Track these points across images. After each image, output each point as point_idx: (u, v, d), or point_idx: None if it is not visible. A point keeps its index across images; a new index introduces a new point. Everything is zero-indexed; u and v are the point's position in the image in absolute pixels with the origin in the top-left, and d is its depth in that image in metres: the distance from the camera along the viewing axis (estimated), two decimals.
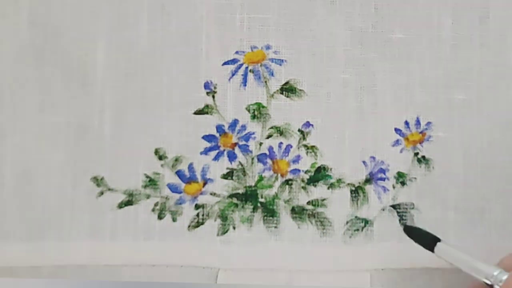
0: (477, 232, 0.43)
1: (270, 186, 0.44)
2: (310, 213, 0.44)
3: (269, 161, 0.44)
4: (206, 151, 0.44)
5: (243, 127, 0.44)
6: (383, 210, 0.43)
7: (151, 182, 0.44)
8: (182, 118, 0.44)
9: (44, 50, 0.44)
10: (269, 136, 0.44)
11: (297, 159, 0.44)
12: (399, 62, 0.44)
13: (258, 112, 0.44)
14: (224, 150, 0.44)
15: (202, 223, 0.44)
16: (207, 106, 0.44)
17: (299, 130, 0.44)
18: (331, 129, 0.44)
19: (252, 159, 0.44)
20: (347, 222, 0.43)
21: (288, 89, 0.44)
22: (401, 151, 0.44)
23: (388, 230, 0.43)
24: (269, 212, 0.44)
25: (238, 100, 0.44)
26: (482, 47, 0.44)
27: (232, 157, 0.44)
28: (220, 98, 0.44)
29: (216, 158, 0.44)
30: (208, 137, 0.44)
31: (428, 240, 0.39)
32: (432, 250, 0.39)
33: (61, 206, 0.44)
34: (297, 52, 0.44)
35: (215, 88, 0.44)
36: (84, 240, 0.44)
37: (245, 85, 0.44)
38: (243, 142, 0.44)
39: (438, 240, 0.39)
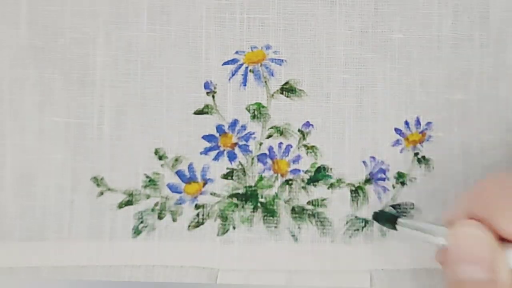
0: None
1: (270, 186, 0.44)
2: (310, 213, 0.44)
3: (269, 161, 0.44)
4: (206, 151, 0.44)
5: (243, 127, 0.44)
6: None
7: (151, 182, 0.44)
8: (182, 118, 0.44)
9: (44, 50, 0.44)
10: (269, 136, 0.44)
11: (297, 159, 0.44)
12: (399, 62, 0.44)
13: (258, 112, 0.44)
14: (224, 150, 0.44)
15: (202, 223, 0.44)
16: (207, 106, 0.44)
17: (299, 130, 0.44)
18: (331, 129, 0.44)
19: (252, 159, 0.44)
20: (347, 222, 0.43)
21: (288, 89, 0.44)
22: (401, 151, 0.44)
23: (388, 230, 0.43)
24: (269, 212, 0.44)
25: (238, 100, 0.44)
26: (482, 47, 0.44)
27: (232, 157, 0.44)
28: (220, 98, 0.44)
29: (216, 158, 0.44)
30: (208, 137, 0.44)
31: (391, 220, 0.40)
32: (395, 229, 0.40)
33: (61, 206, 0.44)
34: (297, 52, 0.44)
35: (215, 88, 0.44)
36: (84, 240, 0.44)
37: (245, 85, 0.44)
38: (243, 142, 0.44)
39: (398, 217, 0.40)
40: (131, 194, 0.44)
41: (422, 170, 0.44)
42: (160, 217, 0.44)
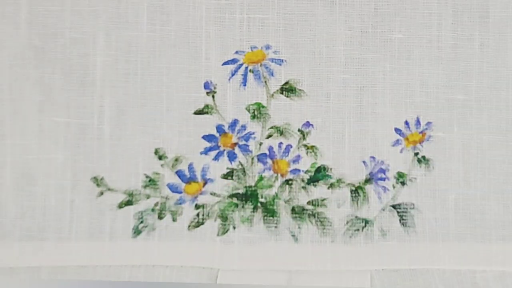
0: (477, 232, 0.43)
1: (270, 186, 0.44)
2: (310, 213, 0.44)
3: (269, 161, 0.44)
4: (206, 151, 0.44)
5: (243, 127, 0.44)
6: (383, 210, 0.44)
7: (151, 182, 0.44)
8: (182, 118, 0.44)
9: (44, 50, 0.44)
10: (269, 136, 0.44)
11: (297, 159, 0.44)
12: (399, 62, 0.44)
13: (258, 112, 0.44)
14: (224, 150, 0.44)
15: (202, 223, 0.44)
16: (207, 106, 0.44)
17: (299, 130, 0.44)
18: (331, 129, 0.44)
19: (252, 159, 0.44)
20: (347, 222, 0.43)
21: (288, 89, 0.44)
22: (401, 151, 0.44)
23: (388, 230, 0.43)
24: (269, 212, 0.44)
25: (238, 100, 0.44)
26: (482, 47, 0.44)
27: (232, 157, 0.44)
28: (220, 98, 0.44)
29: (216, 158, 0.44)
30: (208, 137, 0.44)
31: None
32: None
33: (61, 206, 0.44)
34: (297, 52, 0.44)
35: (215, 88, 0.44)
36: (84, 240, 0.44)
37: (245, 85, 0.44)
38: (243, 142, 0.44)
39: None
40: (131, 194, 0.44)
41: (422, 170, 0.44)
42: (160, 217, 0.44)
